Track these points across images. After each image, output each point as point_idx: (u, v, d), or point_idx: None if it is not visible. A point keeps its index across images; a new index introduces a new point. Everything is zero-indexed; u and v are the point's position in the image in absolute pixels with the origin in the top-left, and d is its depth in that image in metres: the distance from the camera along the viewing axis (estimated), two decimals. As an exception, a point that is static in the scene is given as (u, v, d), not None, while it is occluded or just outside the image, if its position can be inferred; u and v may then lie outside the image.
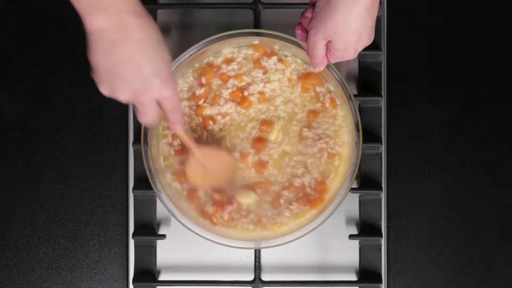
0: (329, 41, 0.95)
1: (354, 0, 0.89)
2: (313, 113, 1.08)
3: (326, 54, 0.97)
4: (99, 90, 0.90)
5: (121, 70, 0.87)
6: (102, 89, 0.90)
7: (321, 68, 1.00)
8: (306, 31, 0.98)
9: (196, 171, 1.06)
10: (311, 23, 0.94)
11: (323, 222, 1.06)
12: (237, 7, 1.16)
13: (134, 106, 0.93)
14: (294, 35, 1.03)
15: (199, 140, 1.07)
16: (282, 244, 1.06)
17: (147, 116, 0.93)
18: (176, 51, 1.06)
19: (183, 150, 1.07)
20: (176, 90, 0.93)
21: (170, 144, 1.09)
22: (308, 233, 1.06)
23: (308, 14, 0.96)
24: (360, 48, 0.95)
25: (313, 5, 0.96)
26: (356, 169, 1.05)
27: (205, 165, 1.05)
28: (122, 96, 0.90)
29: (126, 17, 0.85)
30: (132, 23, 0.86)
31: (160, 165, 1.08)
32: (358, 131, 1.06)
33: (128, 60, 0.87)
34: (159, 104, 0.93)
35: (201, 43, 1.06)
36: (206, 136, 1.08)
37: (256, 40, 1.08)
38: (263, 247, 1.08)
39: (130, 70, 0.87)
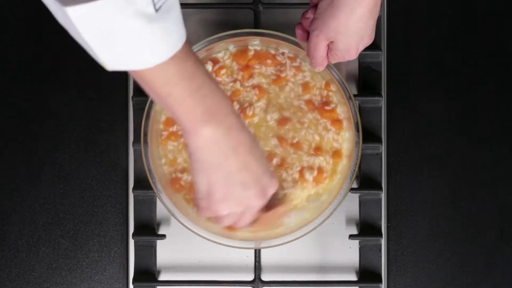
0: (330, 42, 0.95)
1: (357, 1, 0.89)
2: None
3: (327, 54, 0.97)
4: (216, 213, 0.84)
5: (240, 178, 0.81)
6: (223, 208, 0.83)
7: (320, 68, 1.00)
8: (306, 31, 0.98)
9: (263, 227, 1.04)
10: (313, 24, 0.94)
11: (323, 222, 1.06)
12: (237, 7, 1.16)
13: (233, 219, 0.87)
14: (294, 35, 1.03)
15: None
16: (282, 244, 1.06)
17: (248, 220, 0.88)
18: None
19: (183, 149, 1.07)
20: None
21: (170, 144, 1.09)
22: (308, 233, 1.06)
23: (309, 15, 0.96)
24: (361, 48, 0.95)
25: (314, 6, 0.96)
26: (356, 169, 1.05)
27: (270, 222, 1.02)
28: (246, 202, 0.84)
29: (232, 120, 0.79)
30: (237, 126, 0.80)
31: (160, 165, 1.09)
32: (358, 131, 1.06)
33: (245, 165, 0.81)
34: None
35: (200, 43, 1.06)
36: None
37: (256, 41, 1.08)
38: (263, 247, 1.08)
39: (249, 174, 0.82)
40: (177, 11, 0.73)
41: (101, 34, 0.69)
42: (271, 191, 0.87)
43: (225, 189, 0.82)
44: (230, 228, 1.02)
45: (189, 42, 0.77)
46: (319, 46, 0.95)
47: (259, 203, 0.86)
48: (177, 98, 0.75)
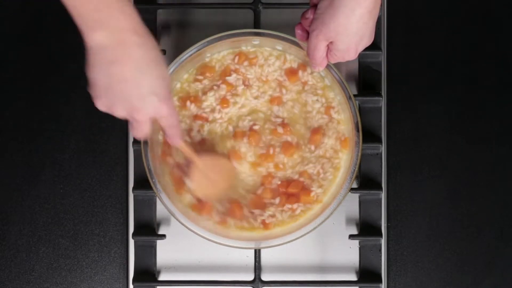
0: (330, 42, 0.95)
1: (357, 2, 0.89)
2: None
3: (327, 54, 0.97)
4: (95, 105, 0.90)
5: (118, 87, 0.87)
6: (98, 105, 0.89)
7: (320, 68, 1.00)
8: (306, 31, 0.98)
9: (200, 183, 1.06)
10: (313, 24, 0.95)
11: (323, 222, 1.06)
12: (237, 7, 1.16)
13: (128, 121, 0.93)
14: (294, 35, 1.03)
15: (197, 148, 1.07)
16: (282, 244, 1.06)
17: (140, 131, 0.93)
18: (176, 51, 1.07)
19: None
20: (173, 108, 0.93)
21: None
22: (308, 233, 1.06)
23: (309, 15, 0.96)
24: (360, 48, 0.95)
25: (313, 6, 0.96)
26: (356, 169, 1.05)
27: (208, 175, 1.06)
28: (118, 112, 0.90)
29: (127, 35, 0.85)
30: (133, 41, 0.85)
31: (160, 165, 1.09)
32: (358, 131, 1.06)
33: (126, 78, 0.86)
34: (156, 120, 0.93)
35: (200, 43, 1.06)
36: (201, 137, 1.08)
37: (256, 41, 1.08)
38: (263, 247, 1.08)
39: (127, 88, 0.87)
40: None
41: None
42: (151, 111, 0.90)
43: (100, 89, 0.88)
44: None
45: None
46: (318, 46, 0.96)
47: (138, 116, 0.89)
48: (73, 4, 0.84)
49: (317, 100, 1.08)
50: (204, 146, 1.08)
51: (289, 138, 1.08)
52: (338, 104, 1.08)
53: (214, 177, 1.06)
